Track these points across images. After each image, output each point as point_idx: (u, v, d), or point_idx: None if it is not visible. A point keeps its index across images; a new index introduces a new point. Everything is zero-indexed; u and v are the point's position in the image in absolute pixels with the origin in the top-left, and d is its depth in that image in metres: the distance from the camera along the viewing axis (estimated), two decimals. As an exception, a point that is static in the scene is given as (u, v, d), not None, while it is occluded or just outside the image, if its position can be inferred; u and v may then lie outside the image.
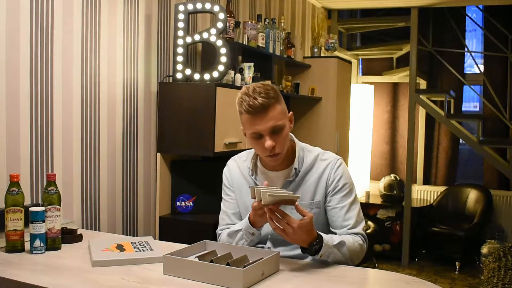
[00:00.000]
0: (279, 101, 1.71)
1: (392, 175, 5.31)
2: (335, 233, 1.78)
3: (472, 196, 5.17)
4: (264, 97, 1.65)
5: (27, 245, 1.78)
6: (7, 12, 2.01)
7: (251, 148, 1.90)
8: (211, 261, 1.52)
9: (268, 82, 1.81)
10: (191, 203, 2.92)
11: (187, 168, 2.94)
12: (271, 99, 1.67)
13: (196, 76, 2.80)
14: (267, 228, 1.81)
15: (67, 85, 2.31)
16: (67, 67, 2.30)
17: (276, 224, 1.59)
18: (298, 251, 1.77)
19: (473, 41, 5.91)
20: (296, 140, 1.87)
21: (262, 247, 1.82)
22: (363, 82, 5.91)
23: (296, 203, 1.59)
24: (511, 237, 5.09)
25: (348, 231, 1.75)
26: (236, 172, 1.92)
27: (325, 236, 1.65)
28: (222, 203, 1.97)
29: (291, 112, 1.81)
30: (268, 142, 1.68)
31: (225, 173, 1.97)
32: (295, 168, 1.80)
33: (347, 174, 1.83)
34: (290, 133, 1.84)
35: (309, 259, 1.75)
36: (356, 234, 1.75)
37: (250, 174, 1.86)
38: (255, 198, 1.63)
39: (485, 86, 5.29)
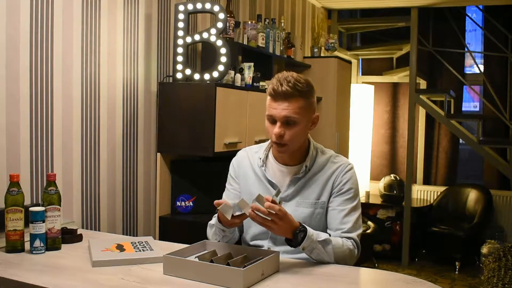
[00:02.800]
0: (304, 97, 1.71)
1: (392, 175, 5.32)
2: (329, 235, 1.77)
3: (472, 196, 5.16)
4: (290, 86, 1.67)
5: (27, 245, 1.78)
6: (7, 12, 2.01)
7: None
8: (211, 261, 1.52)
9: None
10: (191, 203, 2.92)
11: (187, 168, 2.94)
12: (296, 91, 1.68)
13: (196, 76, 2.80)
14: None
15: (67, 85, 2.30)
16: (67, 67, 2.30)
17: (262, 216, 1.57)
18: (299, 253, 1.77)
19: (473, 41, 5.91)
20: (311, 139, 1.88)
21: (262, 247, 1.82)
22: (363, 82, 5.90)
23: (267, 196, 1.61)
24: (511, 237, 5.09)
25: (342, 234, 1.74)
26: (245, 162, 1.93)
27: (310, 229, 1.65)
28: (224, 192, 1.98)
29: (316, 114, 1.80)
30: (277, 130, 1.71)
31: (232, 163, 1.98)
32: (306, 166, 1.80)
33: (354, 179, 1.83)
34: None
35: (303, 256, 1.75)
36: (349, 238, 1.74)
37: (260, 165, 1.86)
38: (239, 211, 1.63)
39: (485, 86, 5.29)
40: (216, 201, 1.65)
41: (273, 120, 1.73)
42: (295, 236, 1.63)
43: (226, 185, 1.98)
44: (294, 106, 1.69)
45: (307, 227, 1.65)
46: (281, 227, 1.60)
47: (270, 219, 1.57)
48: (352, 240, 1.74)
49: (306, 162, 1.81)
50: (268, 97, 1.75)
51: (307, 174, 1.81)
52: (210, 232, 1.90)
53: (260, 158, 1.87)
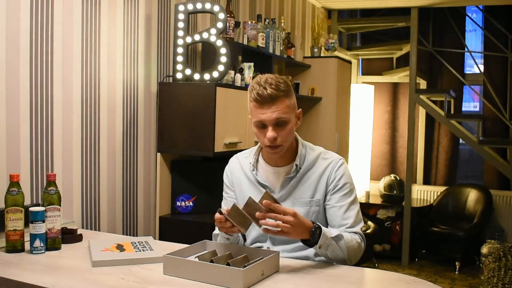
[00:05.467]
0: (288, 96, 1.73)
1: (392, 175, 5.31)
2: None
3: (472, 196, 5.16)
4: (274, 88, 1.68)
5: (27, 245, 1.78)
6: (7, 12, 2.01)
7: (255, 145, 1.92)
8: (211, 261, 1.52)
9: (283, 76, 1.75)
10: (191, 203, 2.92)
11: (187, 168, 2.94)
12: (280, 91, 1.69)
13: (196, 76, 2.80)
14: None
15: (67, 85, 2.31)
16: (67, 67, 2.30)
17: (272, 228, 1.55)
18: (298, 251, 1.78)
19: (473, 41, 5.91)
20: (299, 138, 1.87)
21: (262, 247, 1.82)
22: (363, 82, 5.91)
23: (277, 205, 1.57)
24: (511, 237, 5.09)
25: (347, 230, 1.75)
26: (237, 169, 1.93)
27: (323, 227, 1.65)
28: (222, 201, 1.98)
29: (300, 109, 1.82)
30: (270, 133, 1.70)
31: (226, 172, 1.98)
32: (296, 165, 1.80)
33: (348, 174, 1.83)
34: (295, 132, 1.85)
35: (308, 251, 1.74)
36: (354, 233, 1.75)
37: (251, 169, 1.86)
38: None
39: (485, 86, 5.29)
40: (218, 216, 1.64)
41: (263, 125, 1.72)
42: (312, 235, 1.62)
43: (223, 194, 1.98)
44: (281, 106, 1.70)
45: (319, 224, 1.65)
46: (297, 232, 1.58)
47: (279, 229, 1.55)
48: (358, 234, 1.76)
49: (296, 161, 1.81)
50: (253, 103, 1.72)
51: (298, 173, 1.81)
52: (214, 241, 1.88)
53: (251, 163, 1.87)
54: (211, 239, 1.90)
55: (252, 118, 1.77)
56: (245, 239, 1.94)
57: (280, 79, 1.73)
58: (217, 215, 1.64)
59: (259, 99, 1.69)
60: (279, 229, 1.54)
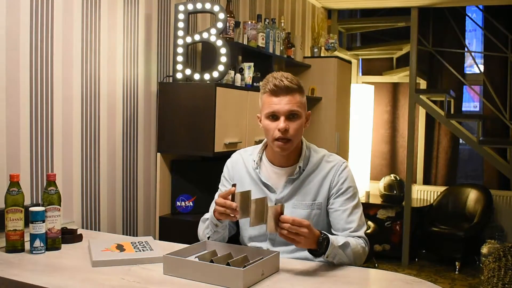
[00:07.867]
0: (301, 93, 1.77)
1: (392, 175, 5.31)
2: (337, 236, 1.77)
3: (472, 196, 5.16)
4: (290, 81, 1.73)
5: (27, 245, 1.78)
6: (7, 12, 2.01)
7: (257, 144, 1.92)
8: (211, 261, 1.52)
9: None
10: (191, 203, 2.92)
11: (187, 168, 2.94)
12: (296, 86, 1.74)
13: (196, 76, 2.80)
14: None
15: (67, 85, 2.31)
16: (67, 67, 2.30)
17: (285, 234, 1.55)
18: (298, 252, 1.78)
19: (473, 41, 5.92)
20: (303, 139, 1.88)
21: (262, 247, 1.82)
22: (363, 82, 5.91)
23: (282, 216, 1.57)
24: (511, 237, 5.09)
25: (351, 234, 1.75)
26: (240, 165, 1.92)
27: (330, 236, 1.64)
28: (217, 193, 1.96)
29: (309, 111, 1.85)
30: (282, 124, 1.72)
31: (227, 165, 1.98)
32: (300, 167, 1.80)
33: (351, 177, 1.83)
34: None
35: (302, 255, 1.74)
36: (359, 237, 1.75)
37: (254, 167, 1.86)
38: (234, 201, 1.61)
39: (485, 86, 5.29)
40: (221, 200, 1.63)
41: (274, 117, 1.74)
42: (319, 245, 1.61)
43: (220, 186, 1.98)
44: (295, 99, 1.74)
45: (327, 233, 1.65)
46: (307, 243, 1.58)
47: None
48: (362, 238, 1.76)
49: (300, 162, 1.81)
50: (266, 95, 1.75)
51: (301, 175, 1.81)
52: (202, 226, 1.89)
53: (254, 161, 1.87)
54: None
55: (263, 111, 1.78)
56: (233, 234, 1.94)
57: (295, 78, 1.77)
58: (221, 199, 1.62)
59: (275, 89, 1.72)
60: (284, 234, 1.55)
